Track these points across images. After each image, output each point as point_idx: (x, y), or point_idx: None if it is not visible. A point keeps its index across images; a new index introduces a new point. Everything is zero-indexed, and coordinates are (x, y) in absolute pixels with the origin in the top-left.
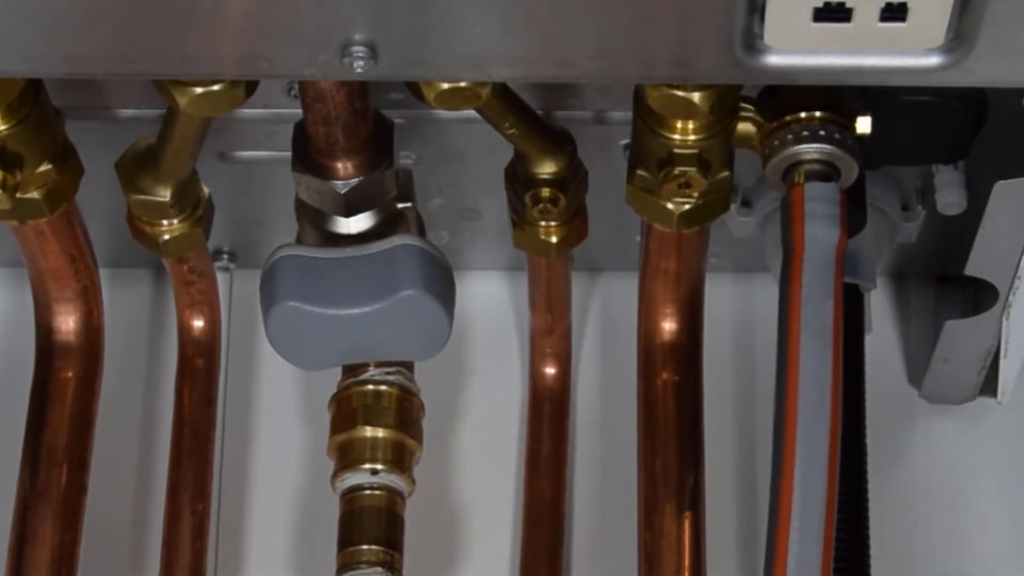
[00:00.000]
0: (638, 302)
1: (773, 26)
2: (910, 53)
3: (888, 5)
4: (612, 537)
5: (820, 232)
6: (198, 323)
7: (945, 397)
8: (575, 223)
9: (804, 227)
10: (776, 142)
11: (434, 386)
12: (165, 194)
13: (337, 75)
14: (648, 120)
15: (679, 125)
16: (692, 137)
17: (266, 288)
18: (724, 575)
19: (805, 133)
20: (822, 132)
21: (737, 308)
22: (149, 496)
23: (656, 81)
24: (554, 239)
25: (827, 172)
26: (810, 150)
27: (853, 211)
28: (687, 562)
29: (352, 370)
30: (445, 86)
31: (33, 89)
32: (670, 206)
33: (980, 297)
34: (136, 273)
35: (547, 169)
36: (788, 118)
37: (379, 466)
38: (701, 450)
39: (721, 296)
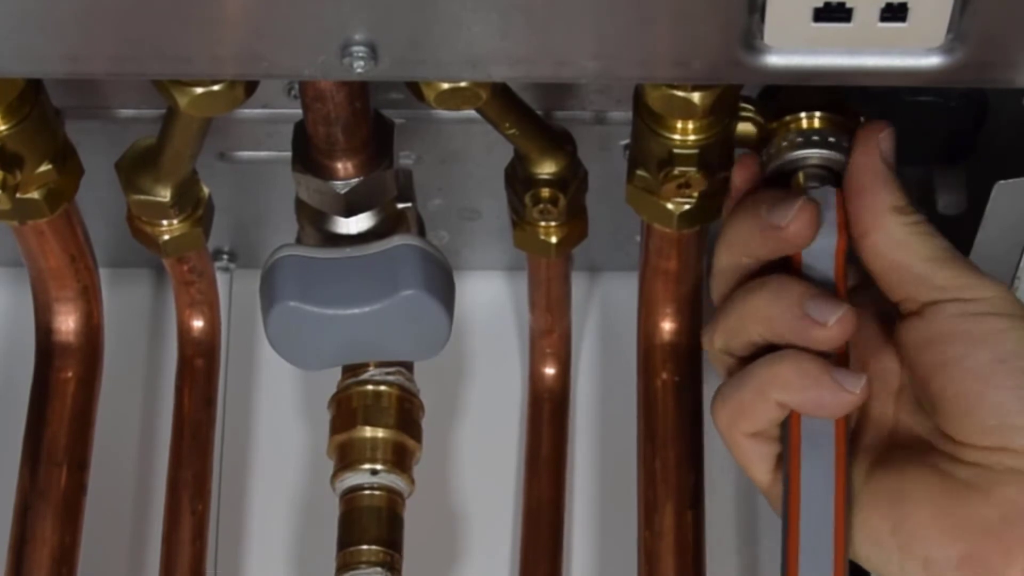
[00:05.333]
0: (638, 302)
1: (773, 26)
2: (910, 53)
3: (888, 5)
4: (612, 537)
5: (820, 238)
6: (198, 323)
7: None
8: (575, 223)
9: None
10: (775, 147)
11: (434, 386)
12: (165, 194)
13: (337, 75)
14: (648, 120)
15: (679, 125)
16: (692, 137)
17: (266, 288)
18: (724, 575)
19: (803, 139)
20: (820, 137)
21: None
22: (149, 496)
23: (656, 81)
24: (554, 239)
25: (826, 177)
26: (809, 155)
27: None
28: (687, 562)
29: (352, 370)
30: (445, 86)
31: (33, 89)
32: (670, 206)
33: None
34: (136, 273)
35: (547, 169)
36: (788, 119)
37: (379, 466)
38: (701, 450)
39: None
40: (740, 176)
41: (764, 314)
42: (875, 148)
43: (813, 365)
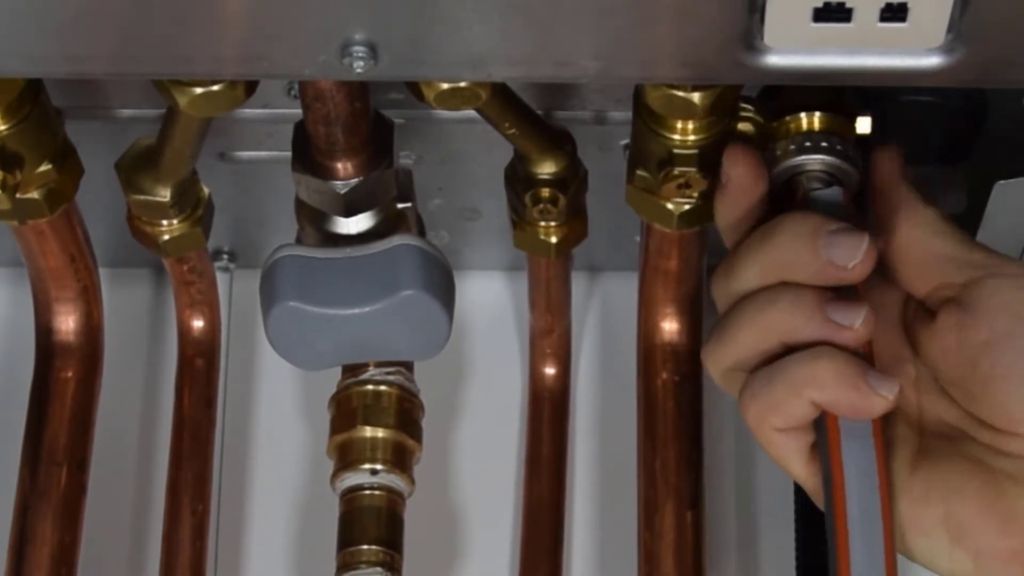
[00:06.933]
0: (638, 302)
1: (773, 26)
2: (910, 53)
3: (888, 5)
4: (612, 537)
5: None
6: (198, 323)
7: None
8: (575, 223)
9: None
10: (777, 152)
11: (434, 386)
12: (165, 194)
13: (337, 75)
14: (648, 120)
15: (679, 125)
16: (692, 137)
17: (266, 288)
18: (724, 575)
19: (806, 144)
20: (823, 143)
21: None
22: (149, 496)
23: (656, 81)
24: (554, 239)
25: (829, 181)
26: (811, 160)
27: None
28: (687, 562)
29: (352, 370)
30: (445, 86)
31: (33, 89)
32: (670, 206)
33: None
34: (136, 273)
35: (547, 169)
36: (787, 118)
37: (379, 466)
38: (701, 450)
39: None
40: (738, 172)
41: (785, 326)
42: (894, 154)
43: (849, 367)
